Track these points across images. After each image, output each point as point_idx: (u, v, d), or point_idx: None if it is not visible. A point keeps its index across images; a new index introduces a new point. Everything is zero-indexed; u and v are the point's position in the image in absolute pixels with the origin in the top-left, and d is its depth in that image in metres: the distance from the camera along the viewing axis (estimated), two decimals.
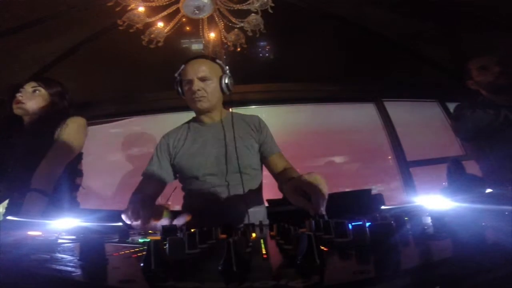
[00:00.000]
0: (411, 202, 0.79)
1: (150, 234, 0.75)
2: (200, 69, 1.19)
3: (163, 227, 0.62)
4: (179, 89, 1.23)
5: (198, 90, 1.16)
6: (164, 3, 1.92)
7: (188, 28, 2.24)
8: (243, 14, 2.03)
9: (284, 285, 0.30)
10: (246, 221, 1.07)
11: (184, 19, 2.04)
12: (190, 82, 1.18)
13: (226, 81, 1.22)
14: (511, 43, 1.90)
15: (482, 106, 1.53)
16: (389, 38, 2.62)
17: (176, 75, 1.23)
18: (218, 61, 1.27)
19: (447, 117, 2.95)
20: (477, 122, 1.49)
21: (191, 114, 1.32)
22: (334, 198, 0.93)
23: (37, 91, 1.30)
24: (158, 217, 0.83)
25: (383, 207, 1.00)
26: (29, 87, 1.30)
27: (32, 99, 1.28)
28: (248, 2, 1.91)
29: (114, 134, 3.00)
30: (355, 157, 3.05)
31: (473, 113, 1.53)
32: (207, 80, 1.18)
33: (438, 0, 2.12)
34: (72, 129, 1.28)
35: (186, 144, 1.22)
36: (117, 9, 1.82)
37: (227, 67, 1.27)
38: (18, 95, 1.28)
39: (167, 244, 0.43)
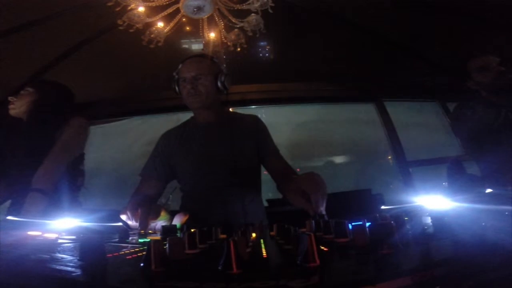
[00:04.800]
0: (411, 202, 0.78)
1: (150, 234, 0.75)
2: (195, 67, 1.18)
3: (163, 227, 0.62)
4: (176, 87, 1.23)
5: (192, 88, 1.16)
6: (164, 3, 1.92)
7: (188, 28, 2.23)
8: (243, 14, 2.03)
9: (284, 285, 0.30)
10: (245, 221, 1.07)
11: (184, 19, 2.04)
12: (185, 80, 1.18)
13: (222, 80, 1.20)
14: (508, 42, 1.89)
15: (482, 106, 1.52)
16: (389, 38, 2.61)
17: (174, 74, 1.23)
18: (215, 59, 1.26)
19: (447, 117, 2.94)
20: (477, 122, 1.49)
21: (191, 114, 1.31)
22: (334, 198, 0.93)
23: (26, 92, 1.32)
24: (157, 217, 0.83)
25: (383, 207, 1.00)
26: (22, 90, 1.33)
27: (20, 99, 1.31)
28: (248, 2, 1.90)
29: (114, 134, 2.99)
30: (355, 157, 3.04)
31: (473, 113, 1.53)
32: (201, 78, 1.17)
33: (438, 0, 2.12)
34: (73, 129, 1.29)
35: (183, 144, 1.22)
36: (117, 9, 1.82)
37: (224, 65, 1.27)
38: (10, 98, 1.31)
39: (167, 244, 0.43)
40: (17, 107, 1.29)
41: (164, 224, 0.79)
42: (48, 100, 1.33)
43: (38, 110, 1.30)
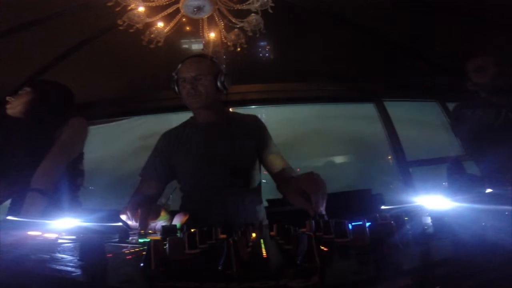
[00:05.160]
0: (411, 202, 0.78)
1: (150, 234, 0.75)
2: (194, 67, 1.18)
3: (163, 227, 0.62)
4: (176, 88, 1.23)
5: (191, 88, 1.16)
6: (164, 3, 1.92)
7: (188, 28, 2.23)
8: (243, 14, 2.03)
9: (284, 285, 0.30)
10: (245, 221, 1.07)
11: (184, 19, 2.04)
12: (184, 80, 1.18)
13: (222, 80, 1.20)
14: (508, 42, 1.89)
15: (482, 106, 1.52)
16: (389, 38, 2.61)
17: (173, 74, 1.23)
18: (214, 59, 1.26)
19: (447, 117, 2.95)
20: (477, 122, 1.48)
21: (191, 114, 1.31)
22: (334, 198, 0.93)
23: (24, 91, 1.32)
24: (157, 217, 0.83)
25: (383, 207, 1.00)
26: (21, 90, 1.32)
27: (17, 99, 1.31)
28: (248, 2, 1.90)
29: (114, 134, 3.00)
30: (355, 157, 3.04)
31: (472, 113, 1.53)
32: (201, 78, 1.17)
33: (438, 0, 2.12)
34: (72, 129, 1.29)
35: (183, 144, 1.22)
36: (117, 9, 1.82)
37: (224, 65, 1.27)
38: (7, 98, 1.31)
39: (167, 244, 0.43)
40: (14, 106, 1.30)
41: (164, 224, 0.79)
42: (45, 99, 1.33)
43: (35, 110, 1.30)
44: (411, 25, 2.42)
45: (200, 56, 1.25)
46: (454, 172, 1.47)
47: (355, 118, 3.13)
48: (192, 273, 0.38)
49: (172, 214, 0.91)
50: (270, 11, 1.90)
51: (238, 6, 1.95)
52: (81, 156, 1.36)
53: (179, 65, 1.23)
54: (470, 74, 1.56)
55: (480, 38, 2.18)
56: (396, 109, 3.03)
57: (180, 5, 1.89)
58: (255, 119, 1.29)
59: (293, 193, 0.88)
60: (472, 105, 1.58)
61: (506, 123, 1.43)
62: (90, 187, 1.38)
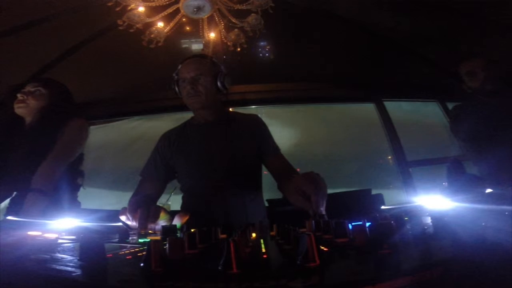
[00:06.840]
0: (411, 202, 0.78)
1: (150, 234, 0.75)
2: (194, 68, 1.18)
3: (163, 227, 0.62)
4: (176, 88, 1.23)
5: (191, 88, 1.16)
6: (164, 3, 1.92)
7: (188, 28, 2.23)
8: (243, 14, 2.03)
9: (284, 285, 0.30)
10: (245, 221, 1.07)
11: (184, 19, 2.04)
12: (184, 80, 1.18)
13: (222, 80, 1.21)
14: (504, 44, 1.90)
15: (478, 106, 1.53)
16: (390, 38, 2.62)
17: (173, 74, 1.23)
18: (214, 59, 1.26)
19: (447, 117, 2.95)
20: (474, 123, 1.49)
21: (191, 114, 1.31)
22: (334, 198, 0.93)
23: (38, 91, 1.30)
24: (156, 218, 0.83)
25: (383, 207, 1.00)
26: (30, 87, 1.30)
27: (33, 99, 1.28)
28: (248, 2, 1.91)
29: (114, 134, 2.99)
30: (355, 157, 3.04)
31: (470, 114, 1.54)
32: (201, 78, 1.17)
33: (438, 0, 2.12)
34: (73, 130, 1.28)
35: (183, 144, 1.22)
36: (117, 9, 1.82)
37: (223, 66, 1.27)
38: (19, 95, 1.28)
39: (167, 244, 0.43)
40: (28, 107, 1.27)
41: (164, 224, 0.78)
42: (58, 102, 1.32)
43: (49, 111, 1.28)
44: (411, 25, 2.42)
45: (200, 57, 1.25)
46: (454, 172, 1.47)
47: (355, 118, 3.13)
48: (192, 273, 0.38)
49: (172, 214, 0.91)
50: (270, 11, 1.90)
51: (238, 6, 1.95)
52: (81, 156, 1.35)
53: (179, 66, 1.23)
54: (462, 78, 1.58)
55: (479, 38, 2.19)
56: (396, 109, 3.03)
57: (180, 5, 1.89)
58: (255, 119, 1.29)
59: (293, 192, 0.88)
60: (469, 106, 1.58)
61: (502, 123, 1.43)
62: (83, 187, 1.36)
